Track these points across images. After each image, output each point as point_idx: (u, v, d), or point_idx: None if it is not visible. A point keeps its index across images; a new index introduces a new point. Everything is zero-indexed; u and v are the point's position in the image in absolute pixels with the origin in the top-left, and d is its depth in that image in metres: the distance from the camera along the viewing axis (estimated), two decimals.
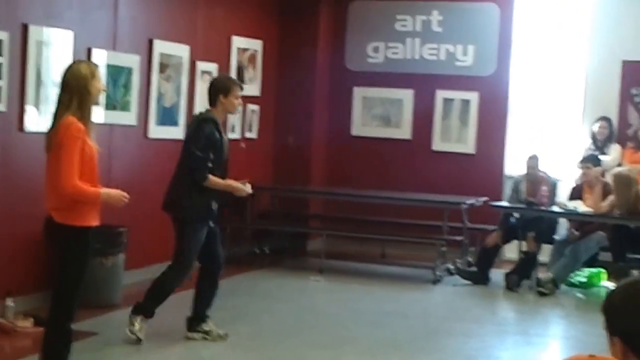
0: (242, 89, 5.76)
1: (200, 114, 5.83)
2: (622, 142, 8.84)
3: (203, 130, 5.53)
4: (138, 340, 5.59)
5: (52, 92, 5.65)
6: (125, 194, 4.40)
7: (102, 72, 6.48)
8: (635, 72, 8.91)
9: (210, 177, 5.52)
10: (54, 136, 4.21)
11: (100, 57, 6.77)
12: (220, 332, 5.79)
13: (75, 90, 4.21)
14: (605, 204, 7.77)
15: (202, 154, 5.50)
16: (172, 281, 5.66)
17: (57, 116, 4.24)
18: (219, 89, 5.63)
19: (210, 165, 5.51)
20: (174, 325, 6.16)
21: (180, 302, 6.88)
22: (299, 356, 5.64)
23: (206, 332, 5.77)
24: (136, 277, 7.20)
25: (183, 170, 5.65)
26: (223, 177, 5.63)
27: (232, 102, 5.61)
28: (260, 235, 9.05)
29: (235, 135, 8.80)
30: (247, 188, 5.75)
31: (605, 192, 7.84)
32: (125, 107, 7.19)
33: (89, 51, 6.70)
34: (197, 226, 5.60)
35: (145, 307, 5.66)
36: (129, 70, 7.17)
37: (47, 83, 6.22)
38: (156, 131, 7.58)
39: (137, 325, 5.61)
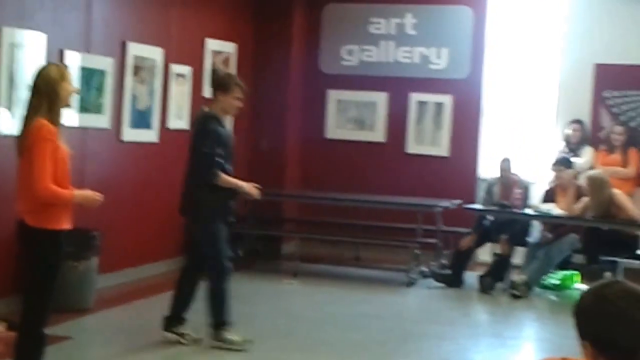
0: (243, 91, 5.64)
1: (201, 111, 5.75)
2: (595, 145, 8.91)
3: (207, 128, 5.45)
4: (249, 342, 5.60)
5: (24, 95, 5.60)
6: (99, 194, 4.39)
7: (75, 75, 6.46)
8: (607, 75, 8.98)
9: (221, 174, 5.45)
10: (24, 139, 4.20)
11: (73, 60, 6.73)
12: (195, 337, 5.75)
13: (45, 93, 4.21)
14: (578, 207, 7.84)
15: (210, 151, 5.41)
16: (222, 285, 5.60)
17: (27, 119, 4.24)
18: (218, 85, 5.58)
19: (218, 162, 5.44)
20: (150, 327, 6.13)
21: (153, 305, 6.88)
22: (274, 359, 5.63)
23: (182, 335, 5.73)
24: (109, 281, 7.20)
25: (193, 171, 5.57)
26: (232, 174, 5.61)
27: (230, 102, 5.52)
28: (234, 239, 8.99)
29: None
30: (258, 188, 5.73)
31: (578, 194, 7.91)
32: (98, 110, 7.14)
33: (61, 53, 6.66)
34: (219, 226, 5.55)
35: (222, 320, 5.63)
36: (102, 73, 7.13)
37: (20, 85, 6.16)
38: (130, 134, 7.54)
39: (231, 337, 5.59)
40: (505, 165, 8.25)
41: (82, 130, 6.93)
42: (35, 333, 4.27)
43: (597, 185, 7.69)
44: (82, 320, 6.26)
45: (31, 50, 6.32)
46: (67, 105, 4.39)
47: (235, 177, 5.67)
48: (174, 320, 5.75)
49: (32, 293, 4.26)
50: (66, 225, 4.27)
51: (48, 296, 4.26)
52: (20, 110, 5.46)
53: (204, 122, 5.52)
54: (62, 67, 4.39)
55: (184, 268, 5.86)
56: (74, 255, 6.28)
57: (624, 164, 8.68)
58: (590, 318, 2.03)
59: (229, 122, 9.00)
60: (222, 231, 5.57)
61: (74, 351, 5.59)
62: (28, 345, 4.27)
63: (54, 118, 4.20)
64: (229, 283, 5.62)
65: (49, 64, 4.75)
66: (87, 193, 4.38)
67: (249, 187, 5.65)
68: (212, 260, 5.61)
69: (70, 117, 6.46)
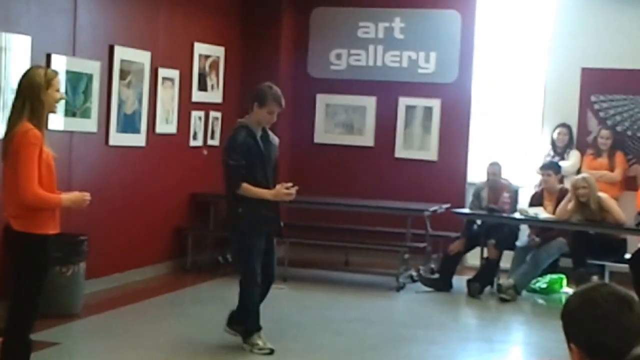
0: (280, 106, 5.62)
1: (237, 122, 5.81)
2: (582, 149, 8.96)
3: (235, 138, 5.53)
4: (271, 351, 5.66)
5: (10, 98, 5.58)
6: (86, 194, 4.38)
7: (62, 79, 6.41)
8: (594, 79, 9.04)
9: (243, 185, 5.48)
10: (9, 144, 4.19)
11: (60, 63, 6.70)
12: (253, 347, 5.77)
13: (28, 97, 4.20)
14: (568, 209, 7.84)
15: (234, 162, 5.48)
16: (250, 295, 5.69)
17: (11, 123, 4.23)
18: (256, 97, 5.61)
19: (243, 172, 5.48)
20: (138, 333, 6.14)
21: (141, 310, 6.87)
22: None
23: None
24: (97, 286, 7.19)
25: (224, 182, 5.67)
26: (268, 183, 5.57)
27: (264, 115, 5.55)
28: (222, 243, 8.99)
29: (197, 142, 8.78)
30: (288, 193, 5.62)
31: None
32: (85, 114, 7.11)
33: (48, 57, 6.62)
34: (251, 234, 5.59)
35: (251, 326, 5.72)
36: (89, 77, 7.10)
37: (6, 89, 6.14)
38: (117, 138, 7.51)
39: (260, 342, 5.68)
40: (493, 169, 8.27)
41: (69, 134, 6.92)
42: (22, 338, 4.26)
43: (593, 188, 7.73)
44: (70, 326, 6.24)
45: (17, 54, 6.30)
46: (53, 111, 4.37)
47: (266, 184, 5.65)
48: (236, 319, 5.81)
49: (19, 298, 4.26)
50: (53, 230, 4.27)
51: (34, 302, 4.25)
52: (6, 114, 5.45)
53: (233, 134, 5.62)
54: (50, 73, 4.34)
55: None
56: (61, 260, 6.29)
57: (611, 168, 8.73)
58: (578, 321, 2.04)
59: (217, 131, 9.04)
60: (257, 242, 5.60)
61: (61, 357, 5.59)
62: (14, 351, 4.26)
63: (38, 122, 4.19)
64: (257, 293, 5.69)
65: (37, 67, 4.71)
66: (75, 195, 4.37)
67: (274, 194, 5.59)
68: (242, 271, 5.70)
69: (57, 121, 6.45)
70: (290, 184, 5.63)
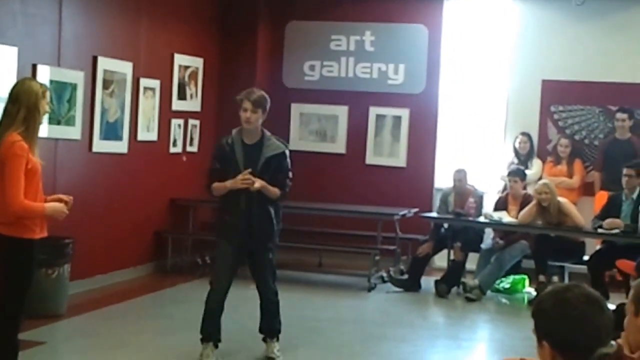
0: (248, 100, 5.52)
1: None
2: (542, 157, 9.21)
3: (215, 144, 5.76)
4: None
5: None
6: (65, 205, 4.41)
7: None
8: (554, 90, 9.31)
9: (212, 185, 5.53)
10: None
11: (45, 73, 6.81)
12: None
13: (25, 105, 4.29)
14: (530, 213, 8.06)
15: (210, 166, 5.63)
16: (207, 298, 5.66)
17: (2, 129, 4.30)
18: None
19: (217, 175, 5.52)
20: (120, 332, 6.27)
21: (123, 310, 6.98)
22: None
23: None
24: (81, 288, 7.27)
25: None
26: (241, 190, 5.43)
27: (241, 115, 5.60)
28: (201, 246, 9.13)
29: (177, 149, 8.92)
30: (242, 180, 5.37)
31: (529, 203, 8.17)
32: (69, 122, 7.22)
33: (34, 67, 6.72)
34: (218, 241, 5.66)
35: (201, 331, 5.65)
36: (73, 86, 7.21)
37: None
38: (100, 145, 7.64)
39: (203, 355, 5.57)
40: (459, 175, 8.47)
41: (54, 141, 7.02)
42: (9, 340, 4.33)
43: (554, 193, 8.00)
44: (55, 326, 6.32)
45: (4, 65, 6.40)
46: (40, 122, 4.47)
47: None
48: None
49: (6, 301, 4.31)
50: (40, 234, 4.36)
51: (21, 304, 4.32)
52: None
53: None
54: (44, 86, 4.48)
55: None
56: (47, 262, 6.37)
57: (570, 175, 8.98)
58: (552, 320, 2.11)
59: (195, 138, 9.23)
60: (222, 251, 5.61)
61: (47, 356, 5.66)
62: (1, 352, 4.31)
63: (29, 131, 4.29)
64: (212, 300, 5.62)
65: (30, 79, 4.86)
66: (55, 206, 4.42)
67: (234, 182, 5.40)
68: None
69: (42, 128, 6.55)
70: (248, 171, 5.38)
